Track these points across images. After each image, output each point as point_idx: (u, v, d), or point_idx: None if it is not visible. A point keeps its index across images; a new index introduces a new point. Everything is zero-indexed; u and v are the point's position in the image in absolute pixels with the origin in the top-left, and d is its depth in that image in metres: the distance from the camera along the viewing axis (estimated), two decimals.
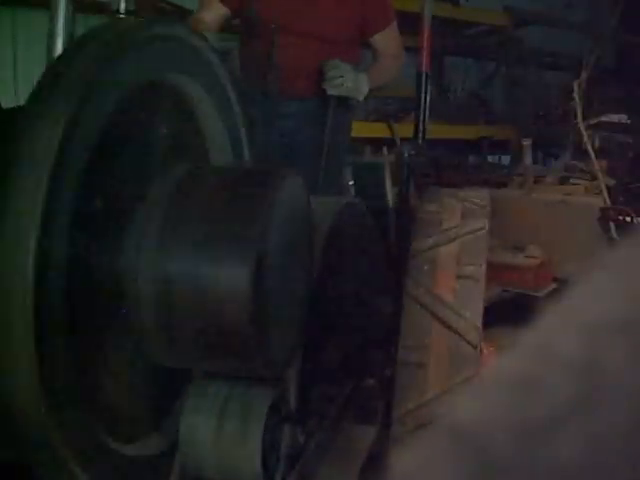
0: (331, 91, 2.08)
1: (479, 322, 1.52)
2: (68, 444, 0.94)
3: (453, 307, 1.54)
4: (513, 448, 0.21)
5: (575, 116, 3.41)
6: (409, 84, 2.91)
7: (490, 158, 5.49)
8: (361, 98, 2.18)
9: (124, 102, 1.06)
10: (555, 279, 2.97)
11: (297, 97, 2.17)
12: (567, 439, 0.20)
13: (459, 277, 1.57)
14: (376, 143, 4.03)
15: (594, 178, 3.29)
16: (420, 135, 2.32)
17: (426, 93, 2.32)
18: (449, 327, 1.51)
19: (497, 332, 2.21)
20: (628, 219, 2.90)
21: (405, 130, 3.59)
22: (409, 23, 2.90)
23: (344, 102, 2.20)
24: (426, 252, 1.62)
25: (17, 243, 0.86)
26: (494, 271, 2.88)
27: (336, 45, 2.16)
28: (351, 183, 3.17)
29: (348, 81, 2.09)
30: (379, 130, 4.17)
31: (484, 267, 1.60)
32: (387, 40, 2.35)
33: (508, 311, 2.35)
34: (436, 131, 4.81)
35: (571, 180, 3.66)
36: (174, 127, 1.28)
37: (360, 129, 3.93)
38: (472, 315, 1.53)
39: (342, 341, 1.53)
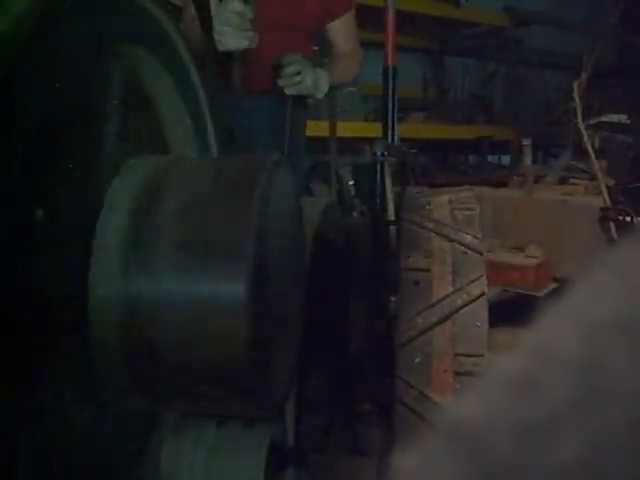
0: (289, 90, 1.87)
1: None
2: None
3: None
4: (513, 448, 0.21)
5: (575, 116, 3.41)
6: (408, 84, 2.90)
7: (490, 158, 5.50)
8: (320, 96, 1.98)
9: (63, 82, 0.81)
10: (555, 279, 2.98)
11: (257, 92, 1.96)
12: (567, 439, 0.20)
13: (458, 374, 1.33)
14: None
15: (594, 178, 3.30)
16: (390, 134, 2.15)
17: (394, 89, 2.13)
18: None
19: (497, 332, 2.21)
20: (628, 219, 2.90)
21: (405, 130, 3.58)
22: (407, 23, 2.89)
23: (300, 100, 2.02)
24: (417, 338, 1.38)
25: None
26: (494, 271, 2.89)
27: (297, 34, 2.01)
28: (351, 183, 3.17)
29: (307, 78, 1.88)
30: (378, 130, 4.17)
31: (487, 357, 1.35)
32: (346, 28, 2.15)
33: (508, 311, 2.35)
34: (436, 131, 4.83)
35: (571, 180, 3.66)
36: (127, 110, 1.01)
37: (359, 129, 3.93)
38: None
39: (331, 362, 1.41)
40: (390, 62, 2.10)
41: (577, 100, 3.38)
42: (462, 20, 5.18)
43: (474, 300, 1.40)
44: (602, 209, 2.99)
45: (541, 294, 2.90)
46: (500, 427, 0.21)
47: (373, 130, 4.18)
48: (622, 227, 2.87)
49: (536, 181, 3.50)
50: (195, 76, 1.18)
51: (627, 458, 0.19)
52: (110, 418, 0.96)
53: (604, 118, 4.19)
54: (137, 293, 0.83)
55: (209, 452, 0.96)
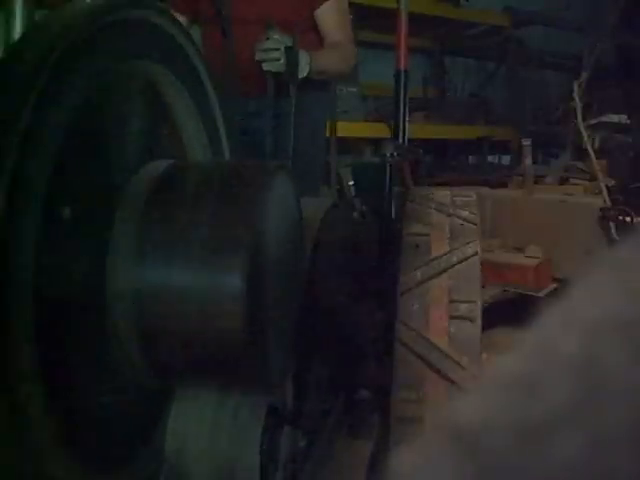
0: (266, 66, 1.92)
1: (477, 369, 1.39)
2: (38, 477, 0.84)
3: (448, 355, 1.41)
4: (513, 448, 0.21)
5: (575, 116, 3.41)
6: (409, 84, 2.89)
7: (490, 158, 5.49)
8: (299, 77, 1.98)
9: (90, 95, 0.92)
10: (555, 279, 2.98)
11: (257, 94, 2.03)
12: (567, 439, 0.20)
13: (453, 317, 1.46)
14: (376, 143, 4.03)
15: (594, 178, 3.30)
16: (401, 135, 2.21)
17: (405, 91, 2.19)
18: (444, 376, 1.39)
19: (497, 332, 2.21)
20: (628, 219, 2.90)
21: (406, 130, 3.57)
22: (413, 24, 2.88)
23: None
24: (416, 287, 1.50)
25: None
26: (494, 271, 2.89)
27: (291, 30, 2.02)
28: (351, 183, 3.17)
29: (285, 56, 1.93)
30: (379, 130, 4.17)
31: (479, 303, 1.48)
32: (332, 14, 2.17)
33: (508, 311, 2.35)
34: (436, 131, 4.83)
35: (571, 180, 3.66)
36: (148, 121, 1.15)
37: (360, 129, 3.93)
38: (469, 362, 1.40)
39: (333, 350, 1.46)
40: (402, 66, 2.17)
41: (577, 100, 3.38)
42: (462, 20, 5.17)
43: (468, 258, 1.56)
44: (602, 209, 2.99)
45: (541, 294, 2.90)
46: (500, 427, 0.21)
47: (373, 130, 4.19)
48: (622, 227, 2.87)
49: (536, 181, 3.49)
50: (210, 87, 1.28)
51: (627, 457, 0.19)
52: (127, 395, 1.07)
53: (604, 118, 4.19)
54: (148, 284, 0.95)
55: (213, 413, 1.06)
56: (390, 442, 1.37)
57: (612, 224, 2.92)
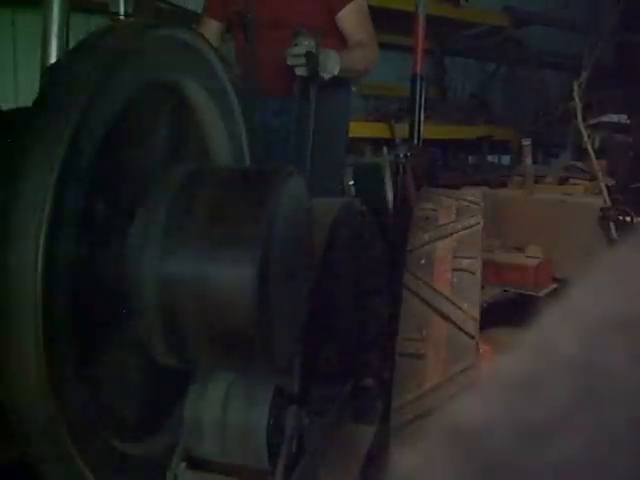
0: (298, 71, 1.97)
1: (476, 313, 1.56)
2: (75, 443, 0.95)
3: (450, 299, 1.57)
4: (513, 448, 0.21)
5: (575, 116, 3.41)
6: (409, 84, 2.90)
7: (490, 158, 5.49)
8: (327, 77, 2.03)
9: (127, 105, 1.06)
10: (555, 279, 2.97)
11: (280, 94, 2.11)
12: (567, 439, 0.20)
13: (455, 270, 1.63)
14: (376, 143, 4.03)
15: (594, 178, 3.29)
16: (416, 136, 2.29)
17: (421, 94, 2.26)
18: (447, 318, 1.54)
19: (497, 332, 2.21)
20: (628, 219, 2.90)
21: (406, 130, 3.58)
22: (406, 23, 2.90)
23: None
24: (423, 247, 1.68)
25: (26, 243, 0.87)
26: (494, 271, 2.89)
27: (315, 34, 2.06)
28: (351, 183, 3.17)
29: (312, 60, 1.97)
30: (379, 130, 4.17)
31: (480, 260, 1.67)
32: (353, 16, 2.23)
33: (508, 311, 2.35)
34: (436, 131, 4.82)
35: (571, 180, 3.66)
36: (176, 129, 1.28)
37: (360, 129, 3.93)
38: (469, 306, 1.56)
39: (340, 340, 1.53)
40: (419, 70, 2.24)
41: (577, 100, 3.38)
42: (462, 20, 5.17)
43: (472, 227, 1.76)
44: (602, 209, 2.99)
45: (541, 294, 2.90)
46: (500, 427, 0.21)
47: (373, 130, 4.19)
48: (622, 227, 2.87)
49: (536, 181, 3.49)
50: (232, 95, 1.40)
51: (627, 457, 0.19)
52: (150, 372, 1.18)
53: (604, 118, 4.19)
54: (169, 272, 1.05)
55: (226, 390, 1.19)
56: (394, 377, 1.48)
57: (612, 224, 2.92)
